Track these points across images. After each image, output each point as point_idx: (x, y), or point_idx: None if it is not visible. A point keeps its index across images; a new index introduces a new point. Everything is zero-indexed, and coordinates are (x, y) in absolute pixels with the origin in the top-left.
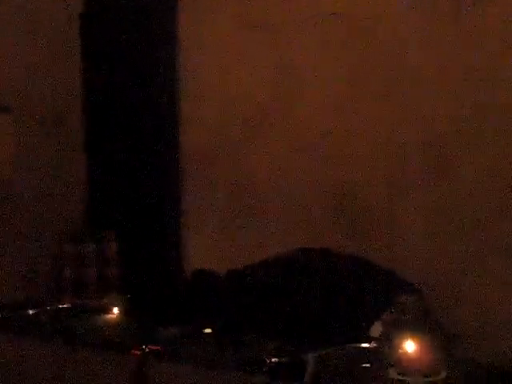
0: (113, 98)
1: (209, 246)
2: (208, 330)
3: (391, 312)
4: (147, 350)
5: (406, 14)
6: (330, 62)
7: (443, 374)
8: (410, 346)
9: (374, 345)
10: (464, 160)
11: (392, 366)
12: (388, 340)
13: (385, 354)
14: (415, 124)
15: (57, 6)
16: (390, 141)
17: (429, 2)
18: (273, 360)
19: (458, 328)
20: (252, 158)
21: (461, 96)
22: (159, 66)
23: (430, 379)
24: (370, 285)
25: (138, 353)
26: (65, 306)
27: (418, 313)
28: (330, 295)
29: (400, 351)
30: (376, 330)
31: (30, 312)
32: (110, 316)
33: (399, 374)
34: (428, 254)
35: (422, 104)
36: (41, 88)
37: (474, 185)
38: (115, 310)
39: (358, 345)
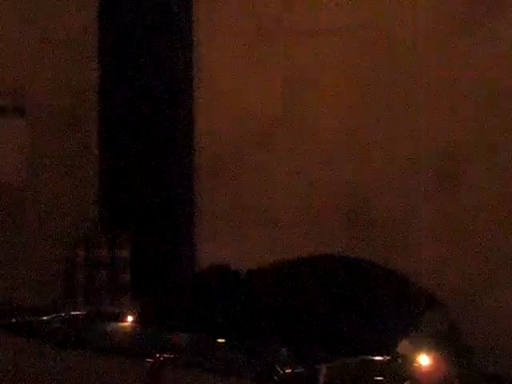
0: (127, 102)
1: (222, 251)
2: (221, 340)
3: (418, 327)
4: (161, 357)
5: (421, 25)
6: (343, 73)
7: None
8: (424, 361)
9: (388, 358)
10: (478, 170)
11: (406, 380)
12: (411, 353)
13: (399, 368)
14: (429, 134)
15: (73, 8)
16: (404, 150)
17: (444, 11)
18: (286, 369)
19: (472, 340)
20: (265, 165)
21: (475, 106)
22: (174, 70)
23: None
24: (389, 295)
25: (152, 360)
26: (78, 313)
27: (445, 327)
28: (346, 305)
29: (416, 365)
30: (404, 347)
31: (44, 318)
32: (123, 323)
33: None
34: (441, 263)
35: (437, 114)
36: (56, 90)
37: (488, 194)
38: (129, 317)
39: (371, 357)
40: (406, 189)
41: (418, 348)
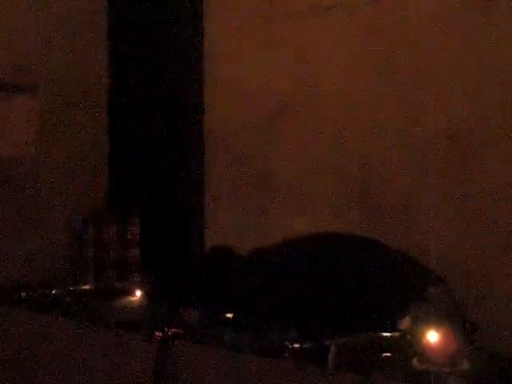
0: (138, 81)
1: (231, 228)
2: (229, 315)
3: (420, 304)
4: (169, 332)
5: (433, 5)
6: (352, 54)
7: (466, 365)
8: (434, 337)
9: (397, 334)
10: (489, 150)
11: (415, 355)
12: (412, 330)
13: (408, 344)
14: (439, 115)
15: None
16: (413, 131)
17: None
18: (295, 345)
19: (485, 318)
20: (275, 145)
21: (486, 88)
22: (184, 51)
23: (454, 369)
24: (395, 273)
25: (160, 335)
26: (87, 287)
27: (447, 304)
28: (354, 282)
29: (424, 341)
30: (405, 323)
31: (53, 291)
32: (131, 298)
33: (422, 364)
34: (451, 245)
35: (447, 96)
36: (67, 68)
37: (498, 176)
38: (137, 292)
39: (380, 333)
40: (416, 169)
41: (421, 325)
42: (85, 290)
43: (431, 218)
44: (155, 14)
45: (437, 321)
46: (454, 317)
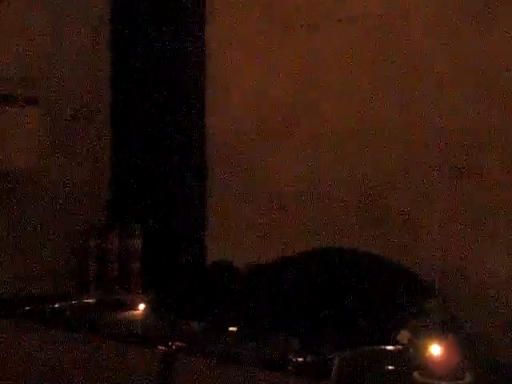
0: (140, 91)
1: (233, 242)
2: (233, 328)
3: (417, 317)
4: (173, 345)
5: (435, 14)
6: (355, 62)
7: (468, 378)
8: (435, 350)
9: (399, 347)
10: (489, 159)
11: (417, 369)
12: (413, 344)
13: (410, 358)
14: (440, 124)
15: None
16: (415, 140)
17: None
18: (298, 359)
19: (479, 329)
20: (276, 155)
21: (488, 95)
22: (187, 60)
23: (455, 383)
24: (394, 286)
25: (163, 348)
26: (90, 300)
27: (444, 317)
28: (354, 296)
29: (425, 355)
30: (404, 337)
31: (56, 305)
32: (134, 311)
33: (424, 377)
34: (452, 255)
35: (447, 104)
36: (70, 81)
37: (499, 184)
38: (140, 306)
39: (382, 347)
40: (420, 177)
41: (419, 338)
42: (87, 303)
43: (434, 232)
44: (157, 22)
45: (436, 334)
46: (453, 329)
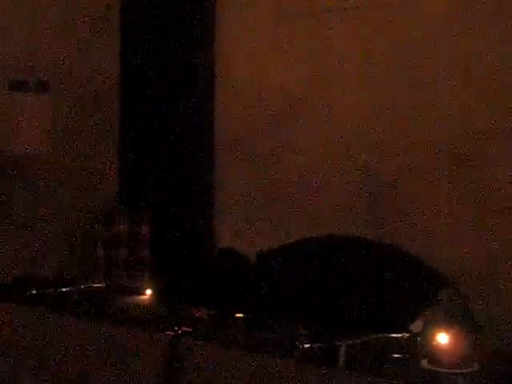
0: (149, 79)
1: (239, 229)
2: (239, 315)
3: (431, 307)
4: (179, 331)
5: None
6: (364, 55)
7: (476, 367)
8: (444, 339)
9: (406, 335)
10: (494, 152)
11: (425, 357)
12: (423, 332)
13: (418, 346)
14: (447, 118)
15: None
16: (422, 134)
17: None
18: (305, 345)
19: (486, 319)
20: (283, 147)
21: (492, 90)
22: (196, 50)
23: (463, 371)
24: (404, 275)
25: (171, 334)
26: (98, 285)
27: (458, 307)
28: (362, 283)
29: (434, 343)
30: (417, 326)
31: (64, 289)
32: (141, 297)
33: (432, 365)
34: (457, 246)
35: (454, 98)
36: (79, 67)
37: (503, 177)
38: (147, 291)
39: (390, 335)
40: (423, 172)
41: (431, 327)
42: (95, 288)
43: (441, 223)
44: (166, 14)
45: (447, 323)
46: (463, 319)
